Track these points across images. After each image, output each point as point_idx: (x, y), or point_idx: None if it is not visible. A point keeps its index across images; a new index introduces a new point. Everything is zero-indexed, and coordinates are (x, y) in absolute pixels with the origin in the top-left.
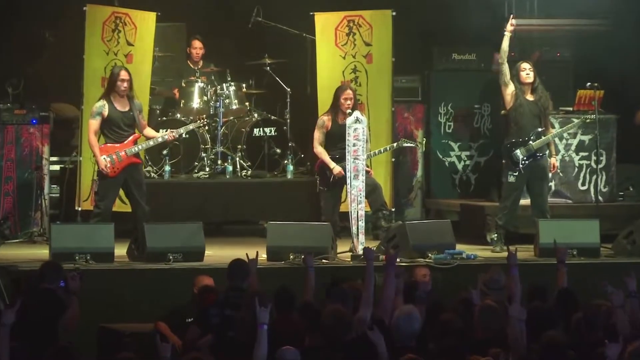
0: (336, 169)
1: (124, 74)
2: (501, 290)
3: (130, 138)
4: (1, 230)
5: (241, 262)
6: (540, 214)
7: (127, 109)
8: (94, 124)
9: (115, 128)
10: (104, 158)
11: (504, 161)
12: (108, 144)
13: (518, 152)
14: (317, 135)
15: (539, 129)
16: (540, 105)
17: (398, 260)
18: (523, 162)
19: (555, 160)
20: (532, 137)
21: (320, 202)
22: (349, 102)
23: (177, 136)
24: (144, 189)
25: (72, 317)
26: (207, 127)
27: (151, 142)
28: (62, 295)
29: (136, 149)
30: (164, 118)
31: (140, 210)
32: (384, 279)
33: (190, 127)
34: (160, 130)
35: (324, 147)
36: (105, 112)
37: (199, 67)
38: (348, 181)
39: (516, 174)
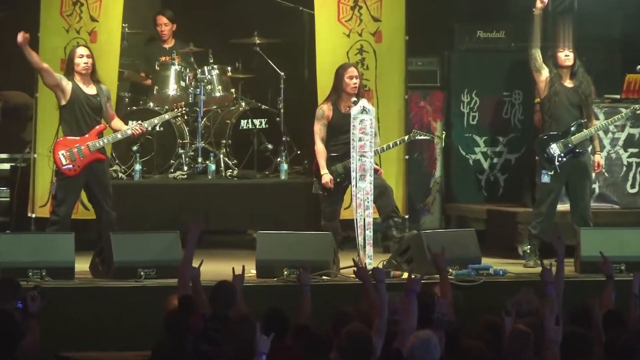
0: (325, 177)
1: (82, 50)
2: (533, 315)
3: (95, 129)
4: None
5: (228, 286)
6: (582, 222)
7: (93, 93)
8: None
9: (78, 112)
10: (62, 153)
11: (537, 158)
12: (67, 137)
13: (554, 147)
14: (318, 129)
15: (580, 121)
16: (580, 92)
17: (412, 275)
18: (560, 159)
19: (599, 158)
20: (571, 130)
21: (320, 206)
22: (354, 81)
23: (148, 129)
24: (110, 192)
25: (32, 344)
26: (185, 118)
27: (119, 135)
28: (20, 318)
29: (101, 142)
30: (134, 107)
31: (105, 216)
32: (404, 307)
33: (166, 117)
34: (130, 123)
35: (324, 142)
36: (67, 87)
37: (171, 46)
38: (353, 182)
39: (551, 173)
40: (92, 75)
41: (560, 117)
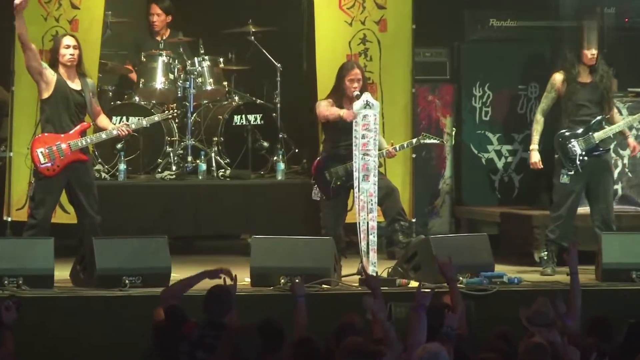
0: (347, 113)
1: (68, 39)
2: (550, 327)
3: (77, 127)
4: None
5: (223, 291)
6: (603, 225)
7: (78, 87)
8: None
9: (61, 107)
10: (40, 151)
11: (556, 156)
12: (47, 134)
13: (575, 144)
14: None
15: (602, 117)
16: (601, 87)
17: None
18: (581, 157)
19: (633, 140)
20: (593, 127)
21: (320, 213)
22: (355, 84)
23: (134, 130)
24: (95, 194)
25: (6, 357)
26: (177, 121)
27: (103, 135)
28: None
29: (83, 142)
30: (118, 102)
31: (88, 221)
32: (413, 321)
33: (155, 118)
34: (114, 120)
35: (324, 143)
36: (51, 79)
37: (164, 37)
38: (356, 183)
39: (571, 172)
40: (78, 68)
41: (578, 116)
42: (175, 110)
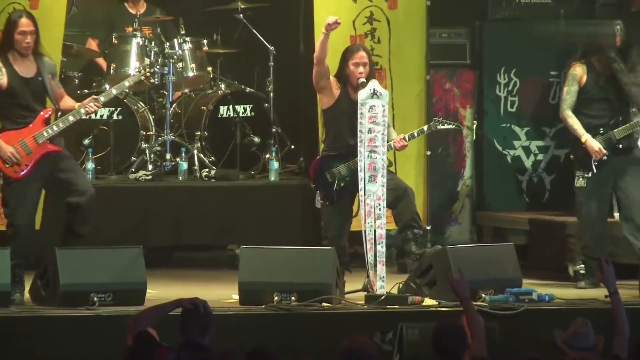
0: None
1: (25, 24)
2: (591, 351)
3: (39, 117)
4: None
5: (201, 308)
6: (638, 232)
7: (32, 73)
8: None
9: (18, 102)
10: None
11: (571, 157)
12: (8, 131)
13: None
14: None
15: (622, 115)
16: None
17: (436, 303)
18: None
19: None
20: (613, 124)
21: (321, 221)
22: (361, 69)
23: (104, 101)
24: (83, 173)
25: None
26: (151, 81)
27: (70, 117)
28: None
29: (49, 131)
30: (86, 90)
31: (86, 196)
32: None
33: (126, 84)
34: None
35: (324, 141)
36: (4, 80)
37: (142, 12)
38: (361, 184)
39: (588, 175)
40: (34, 49)
41: (596, 111)
42: (149, 70)
